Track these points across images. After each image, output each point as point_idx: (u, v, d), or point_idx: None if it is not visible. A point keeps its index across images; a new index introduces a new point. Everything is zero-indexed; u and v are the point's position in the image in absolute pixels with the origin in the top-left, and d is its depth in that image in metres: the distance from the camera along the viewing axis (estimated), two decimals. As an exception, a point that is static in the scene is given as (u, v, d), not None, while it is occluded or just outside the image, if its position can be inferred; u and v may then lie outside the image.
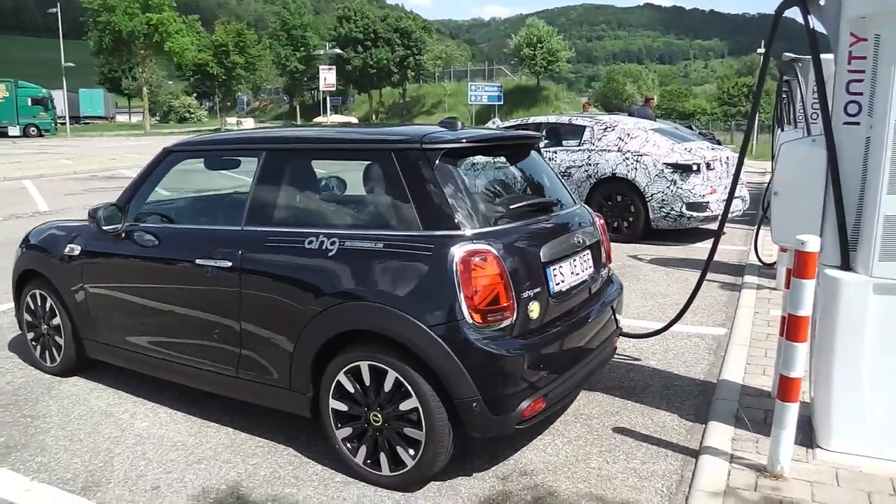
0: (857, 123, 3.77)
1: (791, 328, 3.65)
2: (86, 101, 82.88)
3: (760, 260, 8.79)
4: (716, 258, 9.70)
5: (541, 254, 3.93)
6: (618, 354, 5.84)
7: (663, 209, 10.55)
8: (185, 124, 78.94)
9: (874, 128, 3.67)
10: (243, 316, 4.25)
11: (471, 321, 3.56)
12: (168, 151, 5.00)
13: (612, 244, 10.89)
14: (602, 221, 4.98)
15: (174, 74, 76.08)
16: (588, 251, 4.51)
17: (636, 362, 5.83)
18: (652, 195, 10.57)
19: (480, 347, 3.55)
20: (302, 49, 66.11)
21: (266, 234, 4.22)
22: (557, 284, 4.04)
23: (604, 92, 71.29)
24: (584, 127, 11.61)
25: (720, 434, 4.33)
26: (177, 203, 6.02)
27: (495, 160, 4.61)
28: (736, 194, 11.71)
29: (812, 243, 3.55)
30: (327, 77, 40.95)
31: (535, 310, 3.80)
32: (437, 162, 3.82)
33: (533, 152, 4.83)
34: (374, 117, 62.85)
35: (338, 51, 51.22)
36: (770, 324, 6.48)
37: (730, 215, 11.03)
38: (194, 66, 64.54)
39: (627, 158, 10.81)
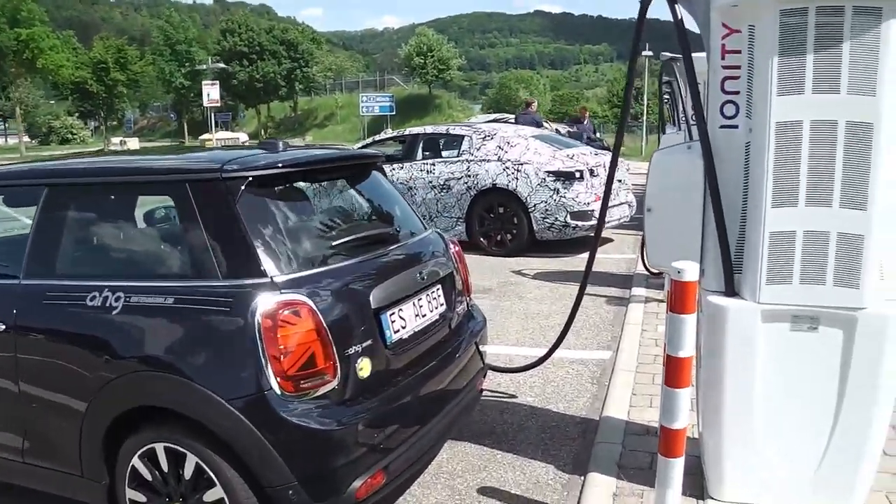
0: (735, 127, 3.24)
1: (671, 373, 3.07)
2: (-49, 122, 78.30)
3: (648, 269, 8.34)
4: (603, 269, 9.29)
5: (371, 298, 3.24)
6: (491, 391, 5.23)
7: (547, 220, 10.04)
8: (68, 145, 75.41)
9: (754, 131, 3.14)
10: (23, 389, 3.42)
11: (279, 391, 2.85)
12: None
13: (496, 259, 10.53)
14: (457, 248, 4.33)
15: (51, 93, 72.54)
16: (438, 286, 3.86)
17: (511, 400, 5.21)
18: (535, 205, 10.04)
19: (293, 422, 2.84)
20: (188, 64, 63.99)
21: (45, 288, 3.40)
22: (396, 332, 3.37)
23: (496, 98, 71.47)
24: (463, 136, 11.02)
25: (600, 490, 3.74)
26: None
27: (324, 186, 3.88)
28: (622, 199, 11.43)
29: (690, 271, 2.97)
30: (210, 92, 39.44)
31: (365, 367, 3.12)
32: (241, 194, 3.09)
33: (375, 174, 4.16)
34: (263, 133, 61.19)
35: (221, 65, 49.61)
36: (657, 343, 5.98)
37: (618, 221, 10.77)
38: (72, 84, 61.59)
39: (508, 168, 10.26)
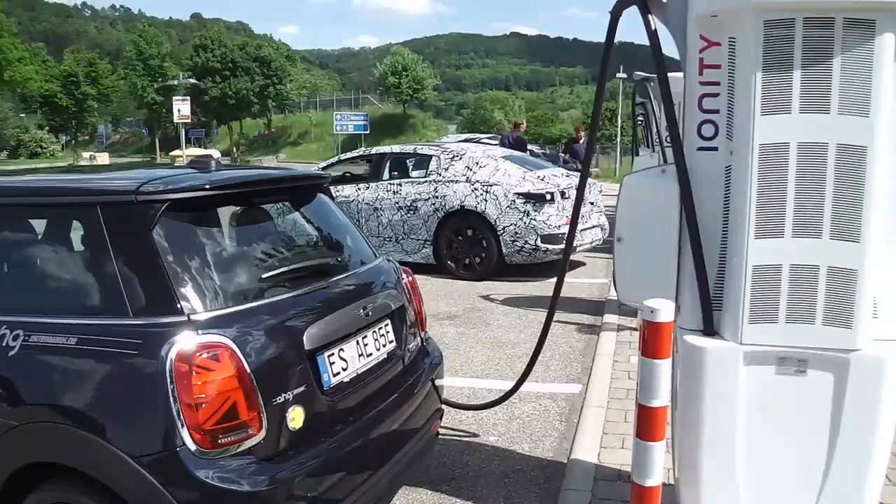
0: (715, 149, 2.92)
1: (644, 424, 2.74)
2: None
3: (620, 296, 8.04)
4: (574, 294, 8.97)
5: (305, 338, 2.88)
6: (452, 430, 4.88)
7: (517, 243, 9.71)
8: (38, 159, 74.34)
9: (735, 154, 2.83)
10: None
11: (195, 447, 2.47)
12: None
13: (464, 283, 10.18)
14: (411, 279, 3.96)
15: (20, 106, 71.55)
16: (387, 321, 3.51)
17: (473, 439, 4.85)
18: (504, 228, 9.72)
19: (210, 484, 2.47)
20: (160, 79, 63.32)
21: None
22: (336, 375, 3.01)
23: (471, 119, 71.40)
24: (431, 156, 10.69)
25: (566, 547, 3.39)
26: None
27: (260, 210, 3.50)
28: (594, 222, 11.14)
29: (665, 311, 2.64)
30: (181, 108, 38.69)
31: (297, 417, 2.75)
32: (158, 219, 2.71)
33: (320, 197, 3.80)
34: (235, 150, 60.59)
35: (192, 81, 49.07)
36: (630, 375, 5.66)
37: (590, 244, 10.47)
38: (41, 98, 60.62)
39: (476, 189, 9.94)
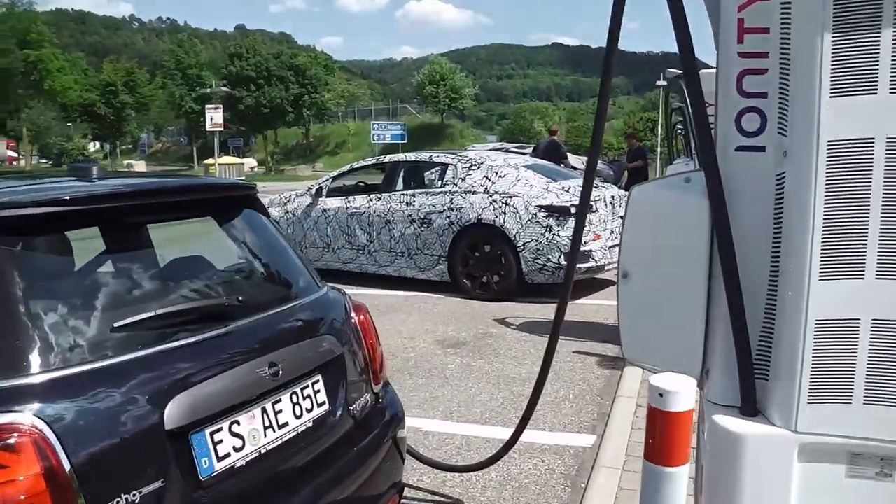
0: (761, 148, 2.01)
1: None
2: (-27, 144, 78.03)
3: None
4: (599, 318, 8.04)
5: (167, 413, 2.04)
6: (431, 495, 4.01)
7: (538, 260, 8.80)
8: (79, 167, 74.95)
9: (791, 155, 1.93)
10: None
11: None
12: None
13: (479, 304, 9.28)
14: (362, 317, 3.09)
15: (60, 115, 72.29)
16: (317, 375, 2.66)
17: (456, 510, 3.97)
18: (524, 244, 8.82)
19: None
20: (198, 89, 63.43)
21: None
22: (223, 459, 2.18)
23: (511, 129, 70.69)
24: (447, 165, 9.83)
25: None
26: None
27: (140, 232, 2.64)
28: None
29: (681, 394, 1.76)
30: (214, 116, 38.51)
31: None
32: None
33: (248, 212, 2.96)
34: (269, 159, 60.33)
35: (225, 89, 48.85)
36: (656, 425, 4.72)
37: (614, 263, 9.53)
38: (80, 107, 61.08)
39: (495, 201, 9.06)
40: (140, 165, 59.36)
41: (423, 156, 10.97)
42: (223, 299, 2.58)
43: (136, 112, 66.09)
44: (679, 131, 14.07)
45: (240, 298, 2.54)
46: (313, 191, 10.82)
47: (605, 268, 9.12)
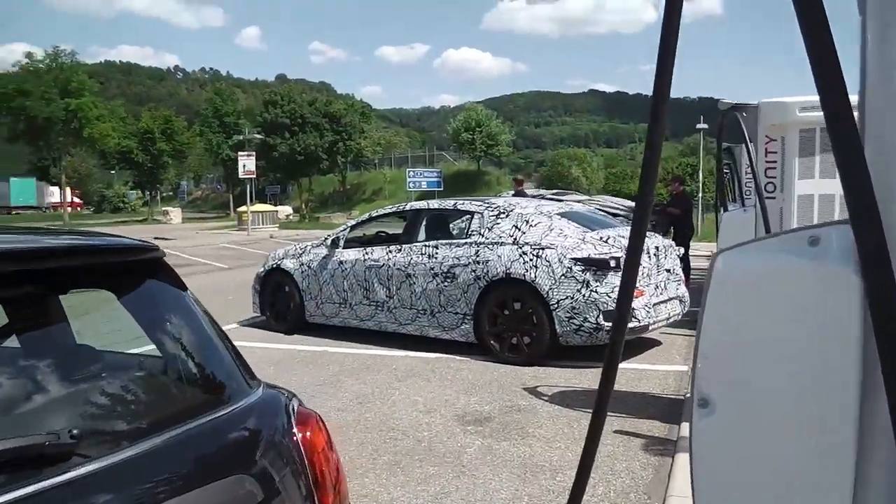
0: None
1: None
2: (17, 190, 79.26)
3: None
4: (645, 387, 7.06)
5: None
6: None
7: (574, 320, 7.84)
8: (119, 214, 75.85)
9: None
10: None
11: None
12: None
13: (508, 368, 8.14)
14: (308, 433, 2.18)
15: (99, 163, 73.17)
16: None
17: None
18: (558, 301, 7.87)
19: None
20: (234, 137, 63.88)
21: None
22: None
23: (549, 175, 70.05)
24: (473, 213, 8.97)
25: None
26: None
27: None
28: (672, 293, 9.20)
29: None
30: (246, 164, 38.29)
31: None
32: None
33: (152, 283, 2.10)
34: (304, 207, 60.02)
35: (257, 136, 48.77)
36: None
37: (666, 320, 8.51)
38: (118, 154, 61.69)
39: (525, 253, 8.15)
40: (176, 213, 59.38)
41: (447, 203, 10.11)
42: (59, 432, 1.68)
43: (173, 159, 66.52)
44: (725, 172, 13.06)
45: (100, 425, 1.64)
46: (329, 241, 10.02)
47: (650, 328, 8.14)
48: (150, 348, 2.22)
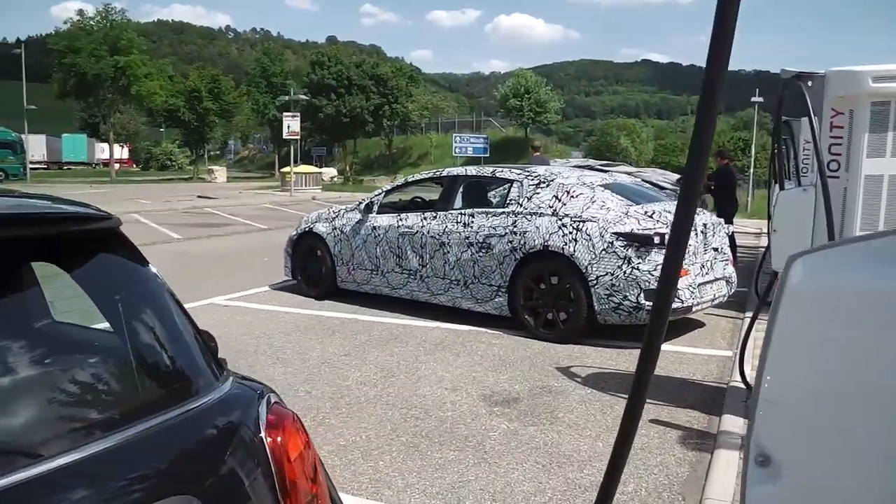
0: None
1: None
2: (69, 146, 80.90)
3: (748, 384, 5.66)
4: (685, 372, 6.66)
5: None
6: None
7: (613, 297, 7.44)
8: (166, 172, 76.51)
9: None
10: None
11: None
12: None
13: (542, 345, 7.63)
14: (279, 437, 1.83)
15: (147, 120, 73.61)
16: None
17: None
18: (597, 278, 7.47)
19: None
20: (281, 97, 63.72)
21: None
22: None
23: (597, 145, 68.91)
24: (512, 182, 8.56)
25: None
26: None
27: None
28: (719, 273, 8.71)
29: None
30: (291, 125, 38.00)
31: None
32: None
33: (104, 257, 1.79)
34: (348, 169, 59.81)
35: (302, 97, 48.40)
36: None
37: (711, 301, 8.05)
38: (165, 112, 61.89)
39: (565, 225, 7.74)
40: (221, 172, 59.49)
41: (486, 170, 9.70)
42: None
43: (220, 118, 66.57)
44: (781, 147, 12.41)
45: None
46: (363, 206, 9.70)
47: (693, 309, 7.71)
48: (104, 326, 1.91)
